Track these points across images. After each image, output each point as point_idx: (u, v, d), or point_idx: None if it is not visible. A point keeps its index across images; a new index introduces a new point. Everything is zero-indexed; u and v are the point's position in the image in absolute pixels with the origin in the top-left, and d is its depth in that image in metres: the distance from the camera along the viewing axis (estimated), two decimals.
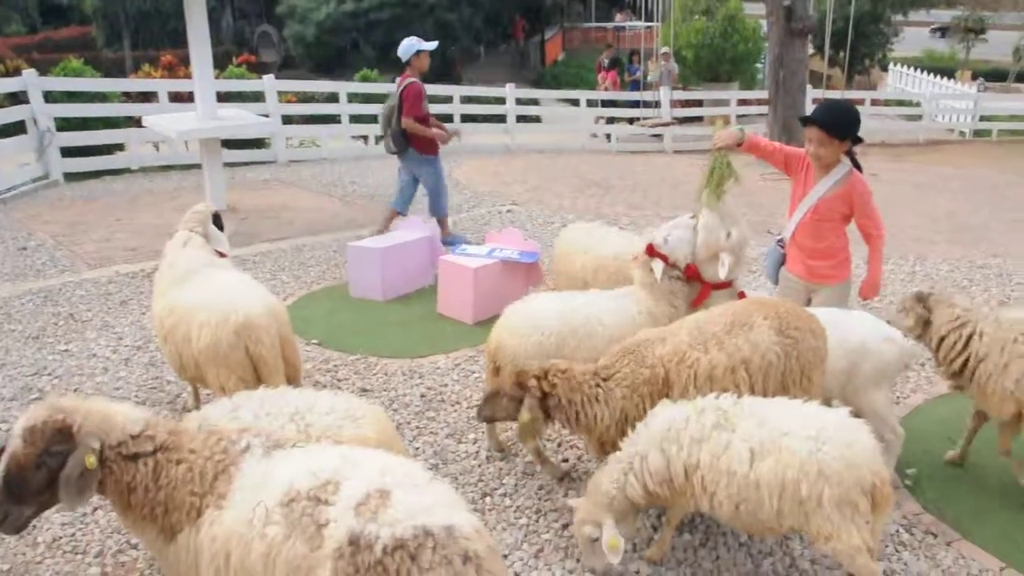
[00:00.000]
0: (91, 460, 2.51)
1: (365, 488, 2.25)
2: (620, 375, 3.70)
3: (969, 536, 3.87)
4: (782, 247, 4.90)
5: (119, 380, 5.44)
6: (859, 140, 4.50)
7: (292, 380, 4.29)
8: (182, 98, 12.52)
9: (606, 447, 3.70)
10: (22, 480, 2.50)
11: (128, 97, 13.39)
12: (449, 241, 8.08)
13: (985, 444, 4.51)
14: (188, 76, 11.00)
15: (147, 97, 13.21)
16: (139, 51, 30.09)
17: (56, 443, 2.51)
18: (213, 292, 4.29)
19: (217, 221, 5.13)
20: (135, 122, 12.25)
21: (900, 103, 23.43)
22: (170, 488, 2.53)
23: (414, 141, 8.28)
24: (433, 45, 8.58)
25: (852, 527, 3.00)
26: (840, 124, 4.42)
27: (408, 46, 8.39)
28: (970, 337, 4.13)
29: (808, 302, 4.66)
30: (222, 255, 4.94)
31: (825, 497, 2.98)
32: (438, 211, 8.56)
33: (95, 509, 3.98)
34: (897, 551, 3.76)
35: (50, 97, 11.71)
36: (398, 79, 8.48)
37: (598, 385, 3.68)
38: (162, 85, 13.15)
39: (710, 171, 4.50)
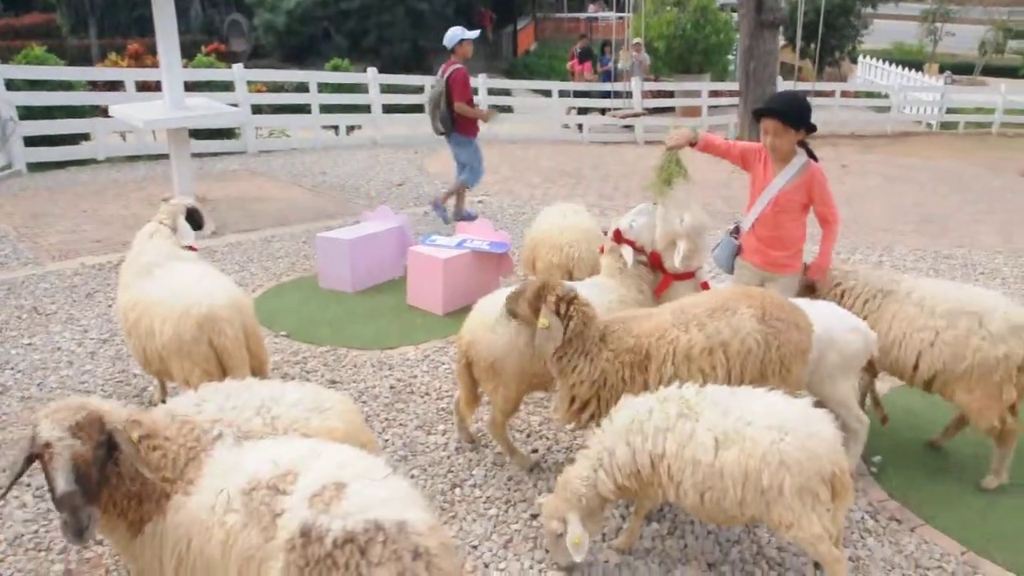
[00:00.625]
0: (134, 435, 2.54)
1: (322, 480, 2.24)
2: (611, 338, 3.79)
3: (932, 521, 3.93)
4: (736, 237, 4.93)
5: (84, 374, 5.37)
6: (813, 128, 4.58)
7: (258, 372, 4.25)
8: (150, 87, 12.33)
9: (573, 405, 3.81)
10: (89, 477, 2.44)
11: (94, 86, 13.16)
12: (466, 215, 9.10)
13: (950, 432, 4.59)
14: (156, 65, 10.82)
15: (114, 86, 12.97)
16: (106, 39, 29.61)
17: (100, 434, 2.49)
18: (176, 285, 4.24)
19: (195, 216, 5.04)
20: (101, 111, 12.06)
21: (869, 95, 23.67)
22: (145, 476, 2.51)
23: (459, 123, 8.93)
24: (475, 34, 9.04)
25: (813, 515, 3.05)
26: (794, 113, 4.50)
27: (453, 35, 8.82)
28: (842, 295, 4.60)
29: None
30: (192, 249, 4.89)
31: (786, 486, 3.03)
32: (471, 183, 9.35)
33: None
34: (862, 537, 3.80)
35: (12, 85, 11.49)
36: (442, 66, 8.96)
37: (601, 339, 3.79)
38: (129, 74, 12.92)
39: (660, 169, 4.61)
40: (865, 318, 4.36)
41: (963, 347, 4.10)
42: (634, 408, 3.36)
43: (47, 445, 2.40)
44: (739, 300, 3.83)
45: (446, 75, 8.76)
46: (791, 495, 3.03)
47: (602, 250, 4.73)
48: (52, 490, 2.39)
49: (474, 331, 4.17)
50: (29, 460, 2.48)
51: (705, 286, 4.54)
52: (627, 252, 4.53)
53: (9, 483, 2.56)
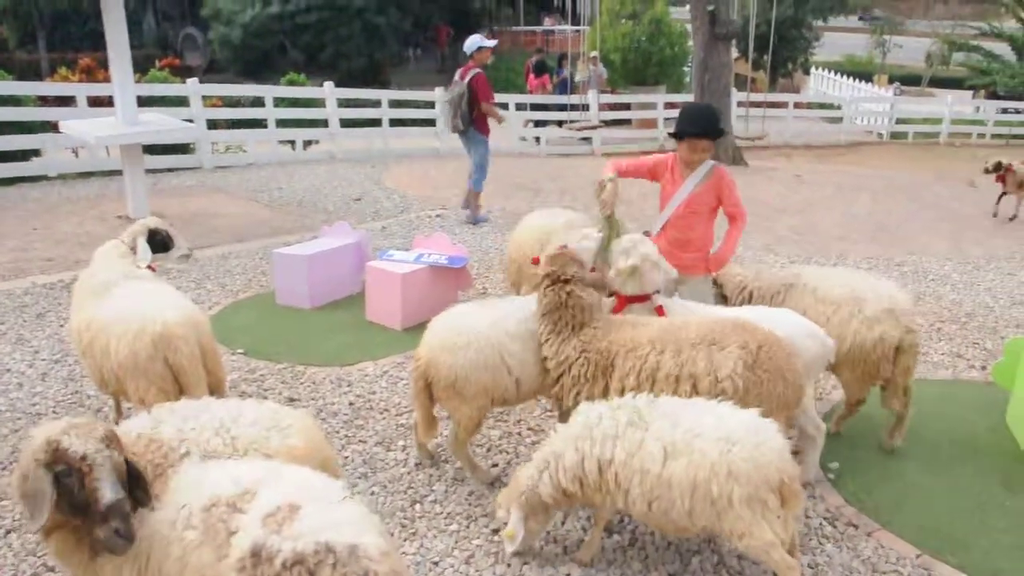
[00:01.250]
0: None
1: (277, 500, 2.22)
2: (586, 332, 3.90)
3: (888, 526, 3.99)
4: None
5: (35, 396, 5.26)
6: (722, 133, 4.98)
7: (215, 391, 4.19)
8: (102, 102, 12.12)
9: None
10: (125, 487, 2.43)
11: (44, 101, 12.92)
12: (479, 219, 10.13)
13: (905, 439, 4.67)
14: (108, 80, 10.66)
15: (64, 101, 12.75)
16: (56, 53, 29.14)
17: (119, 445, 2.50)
18: (130, 303, 4.17)
19: (159, 237, 4.92)
20: (52, 127, 11.85)
21: (822, 106, 24.11)
22: None
23: (477, 122, 9.87)
24: (494, 43, 10.32)
25: (763, 523, 3.09)
26: (717, 128, 4.90)
27: (472, 42, 9.88)
28: (750, 296, 4.88)
29: (673, 293, 4.74)
30: (152, 268, 4.81)
31: (735, 497, 3.06)
32: (478, 186, 10.21)
33: (7, 532, 3.83)
34: (820, 544, 3.85)
35: None
36: (460, 70, 9.94)
37: (575, 328, 3.92)
38: (80, 89, 12.68)
39: (607, 234, 4.65)
40: None
41: (845, 330, 4.44)
42: (586, 414, 3.41)
43: (83, 458, 2.37)
44: (735, 335, 3.71)
45: (466, 79, 9.65)
46: (740, 505, 3.07)
47: (536, 261, 4.67)
48: (95, 501, 2.35)
49: (432, 351, 4.06)
50: (57, 479, 2.41)
51: (660, 311, 4.48)
52: None
53: (46, 507, 2.45)
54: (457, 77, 9.87)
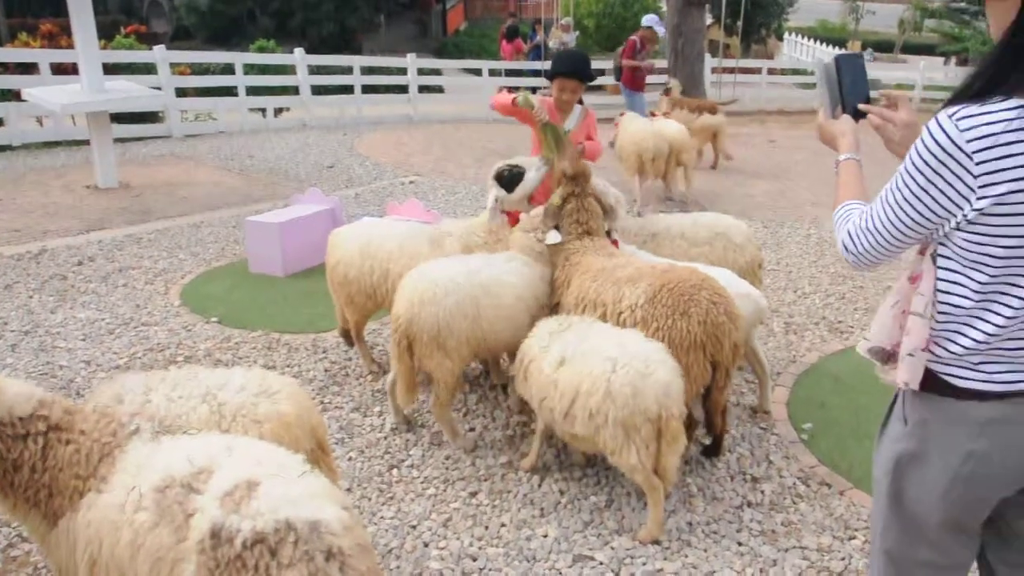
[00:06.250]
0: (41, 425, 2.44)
1: (234, 478, 2.16)
2: (578, 244, 4.27)
3: (860, 485, 4.04)
4: None
5: (5, 367, 5.18)
6: (592, 77, 5.39)
7: None
8: (66, 70, 11.86)
9: None
10: None
11: (5, 68, 12.63)
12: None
13: (877, 399, 4.73)
14: (71, 46, 10.41)
15: (27, 68, 12.46)
16: (15, 19, 28.38)
17: None
18: None
19: None
20: (14, 95, 11.60)
21: (795, 72, 24.12)
22: (55, 470, 2.40)
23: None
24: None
25: (632, 448, 3.37)
26: (590, 72, 5.32)
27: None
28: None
29: None
30: None
31: (610, 416, 3.34)
32: None
33: None
34: (795, 503, 3.90)
35: None
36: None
37: (587, 232, 4.27)
38: (43, 55, 12.33)
39: (550, 143, 4.95)
40: None
41: (721, 260, 4.89)
42: (541, 322, 3.94)
43: None
44: (652, 276, 3.86)
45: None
46: (614, 425, 3.35)
47: (514, 222, 4.74)
48: None
49: (412, 307, 4.04)
50: None
51: (615, 243, 4.58)
52: (553, 234, 4.45)
53: None
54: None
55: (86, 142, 10.48)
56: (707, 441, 4.24)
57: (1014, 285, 1.86)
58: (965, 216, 1.83)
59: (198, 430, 2.62)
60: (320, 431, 3.06)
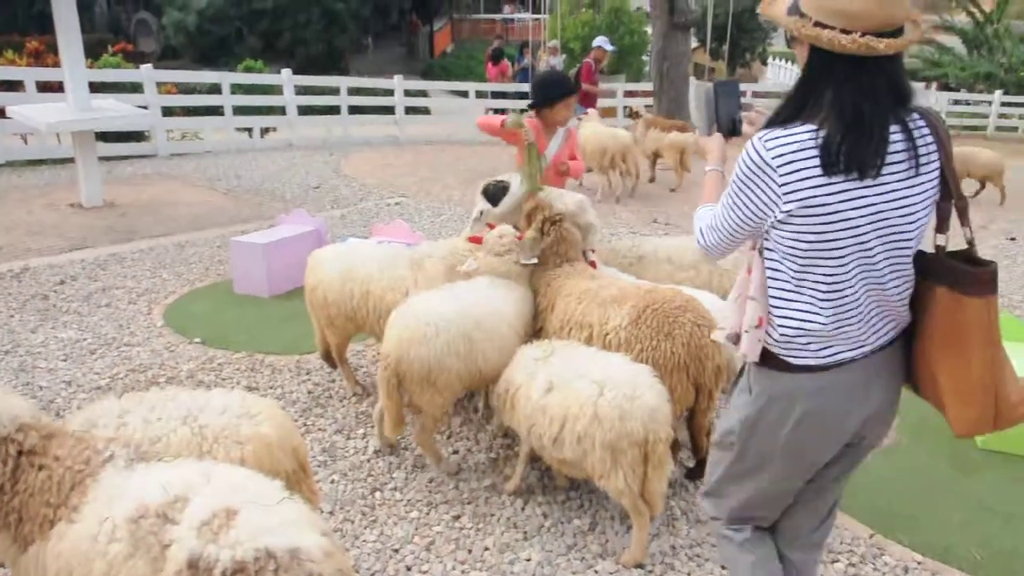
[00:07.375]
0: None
1: (212, 507, 2.12)
2: (558, 270, 4.35)
3: (842, 508, 4.06)
4: None
5: None
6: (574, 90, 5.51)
7: None
8: (52, 88, 11.83)
9: None
10: None
11: None
12: None
13: None
14: (57, 64, 10.39)
15: (12, 86, 12.43)
16: (0, 36, 28.34)
17: None
18: None
19: None
20: None
21: (779, 96, 24.32)
22: (26, 495, 2.37)
23: None
24: None
25: (619, 471, 3.38)
26: (572, 86, 5.45)
27: None
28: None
29: None
30: None
31: (597, 440, 3.35)
32: None
33: None
34: None
35: None
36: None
37: (566, 259, 4.37)
38: (29, 73, 12.33)
39: (530, 164, 4.91)
40: None
41: (707, 285, 4.91)
42: (523, 349, 3.93)
43: None
44: (636, 297, 3.93)
45: None
46: (601, 448, 3.36)
47: (478, 240, 4.69)
48: None
49: (401, 346, 3.93)
50: None
51: (593, 265, 4.60)
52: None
53: None
54: None
55: (71, 160, 10.45)
56: (691, 464, 4.26)
57: (819, 270, 2.21)
58: (776, 217, 2.19)
59: (177, 454, 2.60)
60: (301, 452, 3.05)
